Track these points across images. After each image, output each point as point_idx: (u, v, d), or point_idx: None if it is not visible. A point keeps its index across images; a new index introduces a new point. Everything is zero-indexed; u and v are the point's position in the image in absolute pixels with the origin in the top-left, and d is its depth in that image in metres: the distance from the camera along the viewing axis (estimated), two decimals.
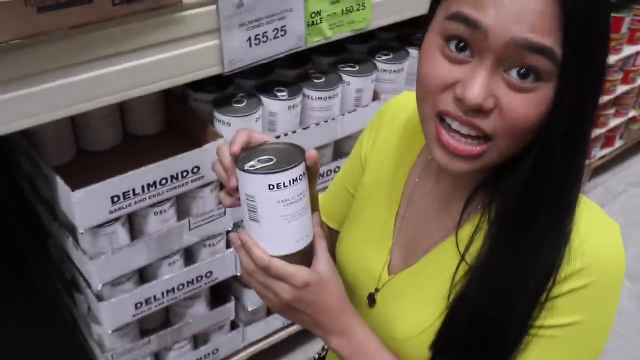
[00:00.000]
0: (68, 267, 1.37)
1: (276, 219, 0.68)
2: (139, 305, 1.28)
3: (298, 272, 0.69)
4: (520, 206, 0.70)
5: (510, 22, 0.60)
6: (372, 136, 0.92)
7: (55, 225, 1.27)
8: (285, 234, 0.69)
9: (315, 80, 1.34)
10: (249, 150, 0.70)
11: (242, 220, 0.90)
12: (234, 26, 1.10)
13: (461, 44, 0.63)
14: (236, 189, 0.72)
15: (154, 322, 1.44)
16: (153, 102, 1.30)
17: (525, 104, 0.63)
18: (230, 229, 1.35)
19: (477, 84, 0.62)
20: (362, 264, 0.87)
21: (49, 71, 0.94)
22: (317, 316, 0.73)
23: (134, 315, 1.28)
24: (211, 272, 1.36)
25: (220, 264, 1.36)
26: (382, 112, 0.93)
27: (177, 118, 1.33)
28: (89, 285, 1.25)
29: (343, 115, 1.37)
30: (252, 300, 1.51)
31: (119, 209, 1.13)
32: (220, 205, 1.29)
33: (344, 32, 1.28)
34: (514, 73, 0.62)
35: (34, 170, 1.28)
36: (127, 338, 1.35)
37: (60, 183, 1.10)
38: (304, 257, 0.72)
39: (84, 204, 1.09)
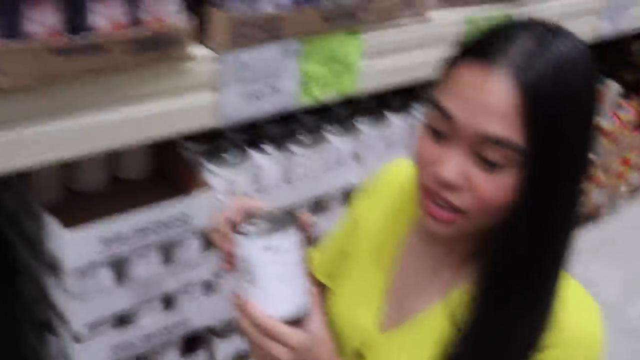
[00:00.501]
0: (41, 308, 1.36)
1: (271, 281, 0.71)
2: (116, 349, 1.28)
3: (293, 332, 0.73)
4: (496, 281, 0.77)
5: (476, 115, 0.69)
6: (366, 199, 0.99)
7: (35, 264, 1.28)
8: (281, 296, 0.72)
9: (300, 138, 1.41)
10: (245, 217, 0.74)
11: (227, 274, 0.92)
12: (233, 82, 1.17)
13: (440, 129, 0.72)
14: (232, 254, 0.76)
15: None
16: (142, 147, 1.34)
17: (493, 185, 0.71)
18: (210, 278, 1.37)
19: (450, 164, 0.71)
20: (352, 320, 0.92)
21: (61, 112, 0.98)
22: None
23: None
24: (189, 319, 1.37)
25: (198, 312, 1.38)
26: (378, 177, 1.00)
27: (165, 163, 1.37)
28: (67, 326, 1.25)
29: (325, 172, 1.44)
30: (223, 349, 1.52)
31: (108, 250, 1.15)
32: (204, 253, 1.32)
33: (332, 94, 1.36)
34: (482, 158, 0.70)
35: (19, 206, 1.29)
36: None
37: (50, 222, 1.12)
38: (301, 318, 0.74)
39: (74, 244, 1.10)
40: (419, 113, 1.62)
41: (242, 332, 0.75)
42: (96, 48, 0.95)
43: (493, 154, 0.69)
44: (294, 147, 1.38)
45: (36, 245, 1.26)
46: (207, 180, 1.28)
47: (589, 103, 0.72)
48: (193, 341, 1.53)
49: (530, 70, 0.68)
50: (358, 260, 0.95)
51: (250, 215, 0.75)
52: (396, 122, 1.57)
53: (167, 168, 1.37)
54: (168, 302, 1.36)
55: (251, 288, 0.71)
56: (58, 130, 0.99)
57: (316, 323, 0.77)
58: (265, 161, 1.33)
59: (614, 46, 2.65)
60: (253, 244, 0.69)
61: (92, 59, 0.95)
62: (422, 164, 0.75)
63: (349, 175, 1.49)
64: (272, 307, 0.71)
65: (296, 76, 1.26)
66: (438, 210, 0.74)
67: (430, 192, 0.74)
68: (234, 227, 0.73)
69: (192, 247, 1.30)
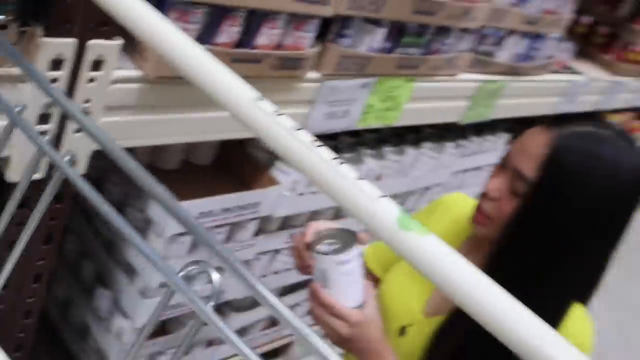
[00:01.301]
0: (95, 263, 1.52)
1: (341, 284, 0.95)
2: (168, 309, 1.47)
3: (352, 312, 0.96)
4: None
5: (516, 154, 1.00)
6: (425, 218, 1.24)
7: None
8: (347, 295, 0.96)
9: (345, 155, 1.68)
10: (319, 236, 0.98)
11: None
12: (324, 102, 1.42)
13: (501, 163, 1.05)
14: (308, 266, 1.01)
15: None
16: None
17: (507, 204, 1.00)
18: (251, 257, 1.59)
19: (494, 181, 1.03)
20: (401, 302, 1.15)
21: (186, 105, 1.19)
22: (363, 344, 0.98)
23: None
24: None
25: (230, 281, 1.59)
26: (440, 202, 1.26)
27: (232, 157, 1.58)
28: (132, 281, 1.42)
29: None
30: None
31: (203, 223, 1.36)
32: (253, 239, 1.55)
33: (380, 124, 1.64)
34: (512, 184, 0.99)
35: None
36: None
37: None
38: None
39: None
40: (427, 149, 1.93)
41: (314, 314, 0.97)
42: (255, 59, 1.18)
43: (516, 182, 0.98)
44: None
45: (121, 209, 1.43)
46: (275, 176, 1.51)
47: (605, 206, 0.95)
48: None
49: (567, 135, 0.95)
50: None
51: (322, 235, 0.97)
52: (410, 152, 1.88)
53: (233, 161, 1.58)
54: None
55: (326, 289, 0.95)
56: (204, 118, 1.20)
57: (370, 308, 1.00)
58: None
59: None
60: (330, 260, 0.93)
61: (249, 67, 1.18)
62: (483, 192, 1.05)
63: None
64: (341, 302, 0.96)
65: (362, 106, 1.53)
66: (477, 214, 1.05)
67: (479, 204, 1.05)
68: (309, 246, 0.97)
69: (250, 230, 1.52)
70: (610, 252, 1.02)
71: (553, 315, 0.99)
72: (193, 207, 1.34)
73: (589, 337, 1.05)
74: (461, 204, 1.21)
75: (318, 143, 0.64)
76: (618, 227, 1.00)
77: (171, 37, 0.75)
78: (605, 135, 0.98)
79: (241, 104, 0.69)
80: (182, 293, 0.55)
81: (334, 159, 0.63)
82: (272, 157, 1.53)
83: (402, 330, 1.14)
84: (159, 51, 0.77)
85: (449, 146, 2.02)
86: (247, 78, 1.18)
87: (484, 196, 1.04)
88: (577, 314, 1.03)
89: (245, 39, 1.17)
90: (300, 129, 0.66)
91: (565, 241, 0.97)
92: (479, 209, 1.05)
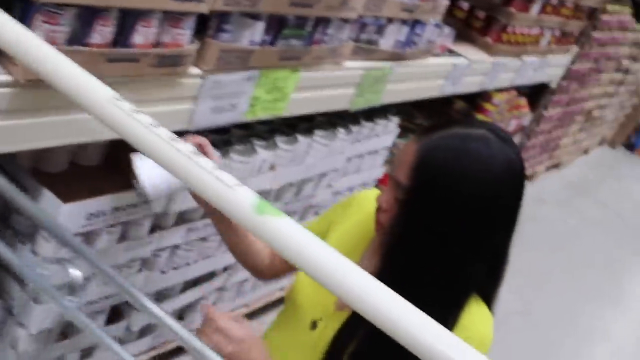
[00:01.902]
0: None
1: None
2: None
3: (234, 328, 1.01)
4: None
5: (394, 166, 1.04)
6: (341, 211, 1.29)
7: (7, 232, 1.41)
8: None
9: (237, 147, 1.71)
10: None
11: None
12: (208, 97, 1.44)
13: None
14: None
15: None
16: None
17: (389, 211, 1.04)
18: (148, 255, 1.60)
19: (384, 194, 1.07)
20: (314, 297, 1.18)
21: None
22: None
23: None
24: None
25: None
26: (354, 197, 1.30)
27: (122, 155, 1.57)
28: (24, 289, 1.40)
29: (249, 177, 1.74)
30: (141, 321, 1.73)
31: (90, 225, 1.35)
32: (150, 237, 1.55)
33: (268, 115, 1.68)
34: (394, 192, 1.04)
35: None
36: None
37: (48, 195, 1.29)
38: None
39: (69, 216, 1.29)
40: (319, 137, 1.99)
41: (202, 326, 1.02)
42: (132, 58, 1.18)
43: (396, 190, 1.03)
44: (232, 155, 1.67)
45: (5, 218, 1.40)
46: None
47: (469, 205, 0.96)
48: (115, 311, 1.72)
49: (430, 140, 0.99)
50: None
51: None
52: (302, 141, 1.93)
53: (122, 160, 1.57)
54: None
55: None
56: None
57: (252, 329, 1.05)
58: None
59: (442, 102, 3.27)
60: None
61: (127, 66, 1.18)
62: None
63: (265, 182, 1.82)
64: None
65: (249, 98, 1.56)
66: (376, 224, 1.09)
67: (376, 215, 1.09)
68: None
69: (145, 227, 1.53)
70: (502, 244, 1.04)
71: (445, 312, 0.99)
72: (82, 208, 1.33)
73: (488, 331, 1.07)
74: (373, 202, 1.25)
75: (176, 138, 0.68)
76: (504, 218, 1.01)
77: (28, 42, 0.76)
78: (475, 133, 0.99)
79: (99, 104, 0.71)
80: (45, 292, 0.57)
81: (193, 152, 0.67)
82: None
83: (314, 324, 1.16)
84: (16, 56, 0.78)
85: (341, 132, 2.09)
86: (126, 77, 1.20)
87: (378, 209, 1.07)
88: (475, 309, 1.06)
89: (121, 39, 1.17)
90: (158, 125, 0.69)
91: (445, 239, 0.98)
92: (376, 220, 1.08)
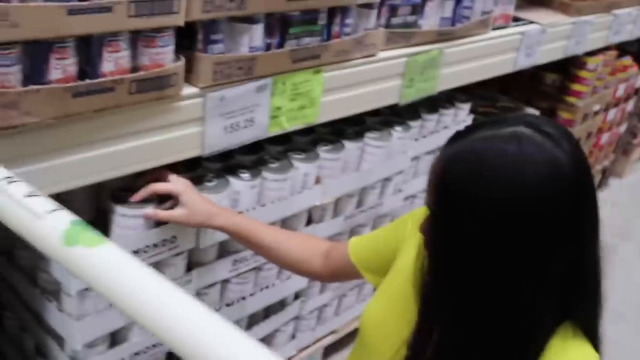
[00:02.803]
0: (32, 336, 1.45)
1: None
2: None
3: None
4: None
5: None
6: (411, 226, 1.11)
7: (30, 292, 1.37)
8: None
9: (271, 165, 1.57)
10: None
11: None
12: (216, 116, 1.32)
13: None
14: None
15: None
16: None
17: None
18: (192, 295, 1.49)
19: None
20: (385, 331, 1.02)
21: (75, 146, 1.10)
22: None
23: None
24: None
25: None
26: (412, 215, 1.15)
27: None
28: (63, 348, 1.34)
29: (292, 195, 1.60)
30: None
31: None
32: (188, 275, 1.45)
33: (297, 125, 1.53)
34: None
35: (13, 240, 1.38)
36: None
37: None
38: None
39: None
40: (371, 139, 1.81)
41: None
42: (104, 89, 1.08)
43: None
44: (266, 174, 1.53)
45: (33, 274, 1.36)
46: None
47: (515, 211, 0.76)
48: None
49: (454, 151, 0.81)
50: (396, 283, 1.06)
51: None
52: (350, 147, 1.76)
53: None
54: None
55: None
56: (71, 162, 1.11)
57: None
58: (242, 186, 1.48)
59: (531, 78, 2.96)
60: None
61: (101, 98, 1.09)
62: None
63: (313, 197, 1.66)
64: None
65: (267, 110, 1.42)
66: None
67: None
68: None
69: (179, 267, 1.43)
70: (576, 262, 0.81)
71: (524, 344, 0.82)
72: None
73: None
74: None
75: None
76: (558, 231, 0.78)
77: None
78: (504, 132, 0.79)
79: None
80: None
81: (5, 178, 0.54)
82: None
83: None
84: None
85: (397, 130, 1.89)
86: (105, 111, 1.11)
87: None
88: (573, 350, 0.84)
89: (90, 70, 1.08)
90: None
91: (490, 268, 0.79)
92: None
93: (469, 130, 0.83)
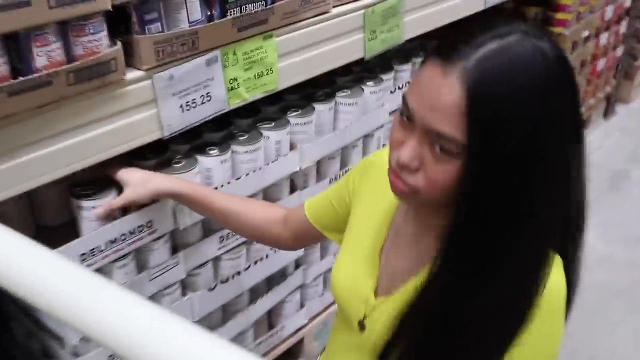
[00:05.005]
0: (38, 339, 1.48)
1: None
2: (111, 357, 1.40)
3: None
4: (445, 252, 0.85)
5: (425, 112, 0.79)
6: (359, 177, 1.10)
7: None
8: None
9: (240, 138, 1.57)
10: None
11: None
12: (168, 96, 1.32)
13: (405, 117, 0.84)
14: None
15: None
16: None
17: (439, 171, 0.80)
18: (184, 277, 1.51)
19: (408, 148, 0.82)
20: (353, 288, 1.02)
21: (18, 147, 1.12)
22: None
23: None
24: None
25: (178, 310, 1.51)
26: (371, 160, 1.12)
27: None
28: (63, 347, 1.36)
29: (267, 164, 1.59)
30: None
31: (88, 266, 1.28)
32: (174, 258, 1.46)
33: (258, 94, 1.52)
34: (434, 146, 0.80)
35: None
36: None
37: None
38: None
39: None
40: (342, 98, 1.80)
41: None
42: (40, 84, 1.09)
43: (441, 145, 0.79)
44: (236, 147, 1.53)
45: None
46: None
47: (544, 110, 0.76)
48: None
49: (478, 73, 0.73)
50: (357, 236, 1.06)
51: None
52: (321, 109, 1.75)
53: None
54: None
55: None
56: (16, 165, 1.12)
57: None
58: (211, 162, 1.48)
59: (513, 15, 2.89)
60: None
61: (39, 94, 1.09)
62: (391, 146, 0.87)
63: (289, 164, 1.66)
64: None
65: (222, 82, 1.42)
66: (398, 184, 0.86)
67: (393, 170, 0.86)
68: None
69: (162, 252, 1.44)
70: (574, 172, 0.85)
71: (539, 269, 0.85)
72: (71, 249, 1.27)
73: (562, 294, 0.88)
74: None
75: None
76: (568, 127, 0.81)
77: None
78: (511, 40, 0.76)
79: None
80: None
81: None
82: (155, 168, 1.44)
83: (361, 326, 1.00)
84: None
85: (368, 85, 1.87)
86: (47, 106, 1.12)
87: (402, 167, 0.84)
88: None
89: (23, 67, 1.09)
90: None
91: (529, 186, 0.80)
92: (399, 180, 0.86)
93: (467, 38, 0.78)
